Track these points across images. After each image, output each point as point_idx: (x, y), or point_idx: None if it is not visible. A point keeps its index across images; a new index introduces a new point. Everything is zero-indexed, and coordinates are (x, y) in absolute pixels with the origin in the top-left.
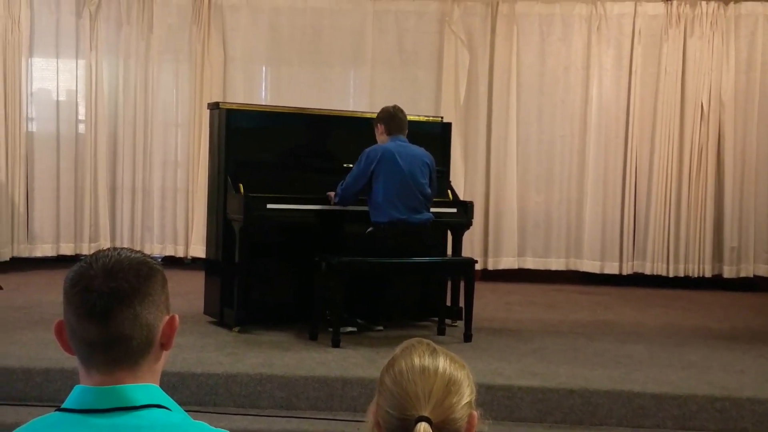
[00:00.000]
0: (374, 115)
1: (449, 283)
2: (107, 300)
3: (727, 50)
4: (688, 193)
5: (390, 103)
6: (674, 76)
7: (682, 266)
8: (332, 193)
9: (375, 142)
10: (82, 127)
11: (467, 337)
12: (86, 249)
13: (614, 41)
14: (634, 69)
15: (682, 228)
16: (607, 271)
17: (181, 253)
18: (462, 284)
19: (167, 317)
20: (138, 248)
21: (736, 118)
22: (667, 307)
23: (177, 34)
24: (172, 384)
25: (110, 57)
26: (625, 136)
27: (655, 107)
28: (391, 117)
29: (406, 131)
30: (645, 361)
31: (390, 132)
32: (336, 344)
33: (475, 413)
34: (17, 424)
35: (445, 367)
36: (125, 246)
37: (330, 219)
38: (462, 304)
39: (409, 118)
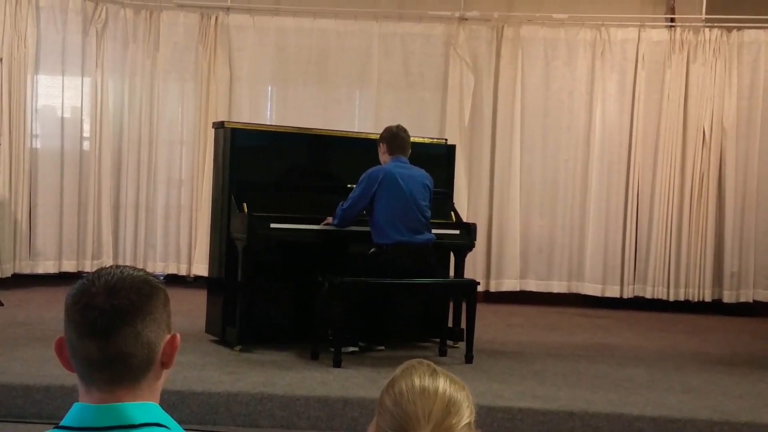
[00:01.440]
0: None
1: (451, 305)
2: (109, 318)
3: (729, 77)
4: (689, 218)
5: (395, 124)
6: (677, 102)
7: (682, 290)
8: (330, 219)
9: (378, 162)
10: (86, 144)
11: (468, 359)
12: (89, 266)
13: (618, 66)
14: (637, 94)
15: (682, 253)
16: (608, 295)
17: (184, 272)
18: (464, 306)
19: (168, 336)
20: (141, 266)
21: (738, 145)
22: (667, 331)
23: (183, 53)
24: (172, 402)
25: (116, 75)
26: (628, 161)
27: (657, 133)
28: (394, 137)
29: (409, 152)
30: (645, 384)
31: (392, 152)
32: (337, 364)
33: None
34: None
35: (445, 388)
36: (128, 264)
37: (333, 239)
38: (464, 325)
39: (414, 139)
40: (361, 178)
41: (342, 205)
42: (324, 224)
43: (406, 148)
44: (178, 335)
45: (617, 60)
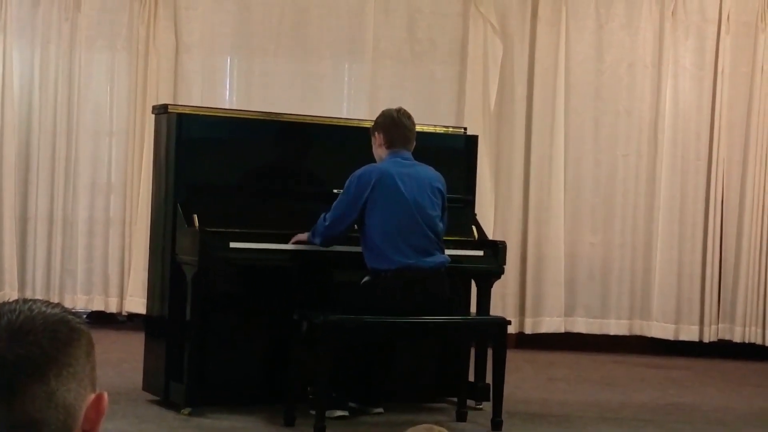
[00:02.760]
0: None
1: (473, 351)
2: (12, 372)
3: None
4: None
5: (395, 107)
6: None
7: None
8: (303, 236)
9: (374, 159)
10: None
11: (496, 425)
12: None
13: (695, 29)
14: (720, 68)
15: None
16: (683, 338)
17: (113, 308)
18: (490, 353)
19: (92, 396)
20: (56, 300)
21: None
22: (764, 387)
23: (113, 13)
24: None
25: (23, 42)
26: (709, 157)
27: (748, 119)
28: (394, 125)
29: (413, 145)
30: None
31: (391, 145)
32: None
33: None
34: None
35: None
36: (38, 297)
37: (313, 263)
38: (489, 379)
39: (422, 128)
40: (348, 181)
41: (324, 217)
42: (294, 243)
43: (410, 139)
44: (105, 395)
45: (694, 21)
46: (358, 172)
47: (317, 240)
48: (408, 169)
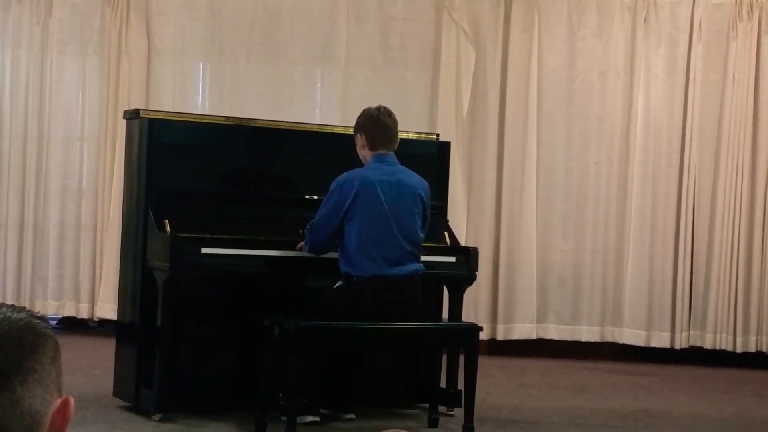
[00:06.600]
0: (348, 130)
1: (444, 358)
2: None
3: None
4: (763, 241)
5: (375, 106)
6: (745, 84)
7: (753, 339)
8: (303, 243)
9: (349, 165)
10: None
11: (467, 431)
12: None
13: (667, 37)
14: (692, 75)
15: (753, 289)
16: (654, 344)
17: (84, 314)
18: (462, 359)
19: (59, 401)
20: (26, 305)
21: None
22: (734, 393)
23: (84, 18)
24: None
25: None
26: (680, 164)
27: (719, 126)
28: (375, 124)
29: (397, 144)
30: None
31: (374, 145)
32: None
33: None
34: None
35: None
36: (8, 302)
37: (286, 269)
38: (461, 386)
39: None
40: (332, 187)
41: (310, 225)
42: (299, 248)
43: (393, 138)
44: (72, 399)
45: (666, 29)
46: (341, 178)
47: (306, 247)
48: (391, 176)
